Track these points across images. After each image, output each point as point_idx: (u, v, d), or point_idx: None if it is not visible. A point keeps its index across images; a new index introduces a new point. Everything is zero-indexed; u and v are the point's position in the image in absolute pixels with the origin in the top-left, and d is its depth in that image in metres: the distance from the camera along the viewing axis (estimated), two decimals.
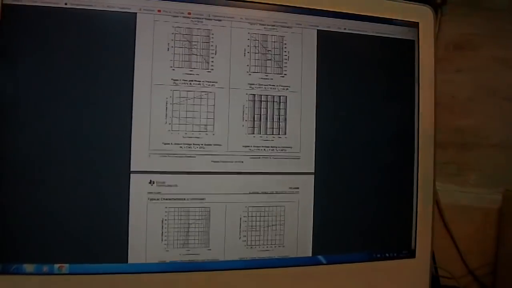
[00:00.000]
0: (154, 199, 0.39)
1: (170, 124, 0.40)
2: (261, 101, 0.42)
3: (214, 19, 0.41)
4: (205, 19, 0.41)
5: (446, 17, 0.64)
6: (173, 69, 0.40)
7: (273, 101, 0.42)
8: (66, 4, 0.38)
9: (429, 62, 0.47)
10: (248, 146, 0.42)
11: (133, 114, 0.39)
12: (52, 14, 0.38)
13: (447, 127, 0.65)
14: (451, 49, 0.65)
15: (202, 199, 0.40)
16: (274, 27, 0.43)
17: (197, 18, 0.41)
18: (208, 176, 0.41)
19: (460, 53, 0.65)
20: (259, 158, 0.42)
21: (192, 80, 0.41)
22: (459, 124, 0.65)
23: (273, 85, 0.43)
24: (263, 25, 0.42)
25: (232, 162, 0.41)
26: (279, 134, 0.43)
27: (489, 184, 0.64)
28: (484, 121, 0.65)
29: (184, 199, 0.40)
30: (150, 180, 0.39)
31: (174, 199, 0.40)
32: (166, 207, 0.40)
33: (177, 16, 0.40)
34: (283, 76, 0.43)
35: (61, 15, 0.38)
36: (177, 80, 0.40)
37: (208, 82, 0.41)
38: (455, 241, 0.63)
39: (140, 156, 0.39)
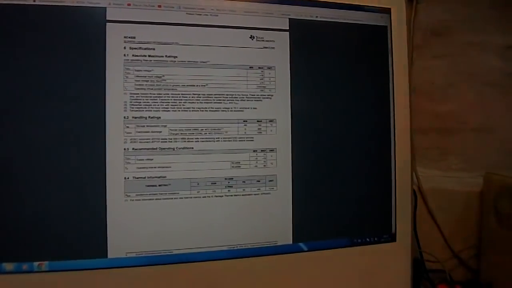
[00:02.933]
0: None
1: None
2: None
3: (185, 11, 0.41)
4: (176, 11, 0.41)
5: (423, 3, 0.65)
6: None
7: None
8: (34, 1, 0.38)
9: (402, 48, 0.47)
10: None
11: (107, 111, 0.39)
12: (21, 12, 0.38)
13: (427, 113, 0.65)
14: (429, 35, 0.65)
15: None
16: (245, 17, 0.43)
17: (168, 10, 0.41)
18: None
19: (438, 39, 0.65)
20: None
21: None
22: (439, 109, 0.66)
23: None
24: (234, 15, 0.42)
25: None
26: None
27: (470, 168, 0.65)
28: (464, 106, 0.65)
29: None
30: None
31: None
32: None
33: (148, 9, 0.40)
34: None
35: (30, 13, 0.38)
36: None
37: None
38: (438, 225, 0.64)
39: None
